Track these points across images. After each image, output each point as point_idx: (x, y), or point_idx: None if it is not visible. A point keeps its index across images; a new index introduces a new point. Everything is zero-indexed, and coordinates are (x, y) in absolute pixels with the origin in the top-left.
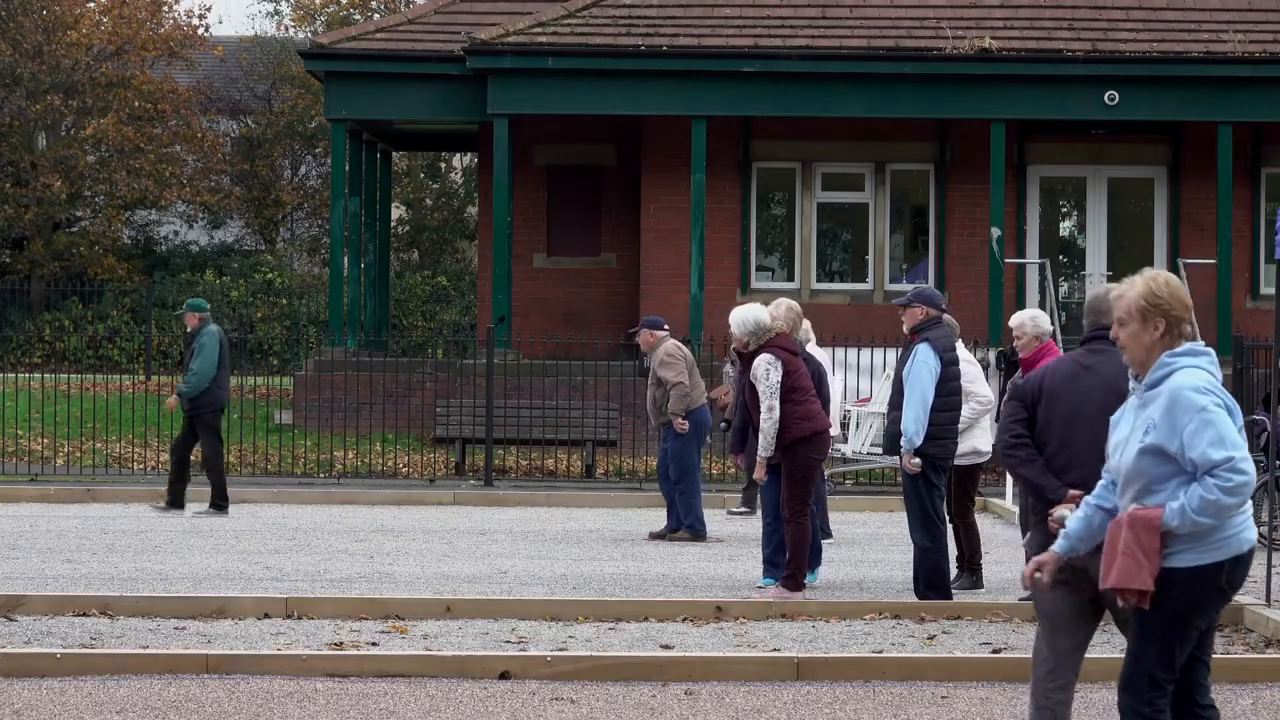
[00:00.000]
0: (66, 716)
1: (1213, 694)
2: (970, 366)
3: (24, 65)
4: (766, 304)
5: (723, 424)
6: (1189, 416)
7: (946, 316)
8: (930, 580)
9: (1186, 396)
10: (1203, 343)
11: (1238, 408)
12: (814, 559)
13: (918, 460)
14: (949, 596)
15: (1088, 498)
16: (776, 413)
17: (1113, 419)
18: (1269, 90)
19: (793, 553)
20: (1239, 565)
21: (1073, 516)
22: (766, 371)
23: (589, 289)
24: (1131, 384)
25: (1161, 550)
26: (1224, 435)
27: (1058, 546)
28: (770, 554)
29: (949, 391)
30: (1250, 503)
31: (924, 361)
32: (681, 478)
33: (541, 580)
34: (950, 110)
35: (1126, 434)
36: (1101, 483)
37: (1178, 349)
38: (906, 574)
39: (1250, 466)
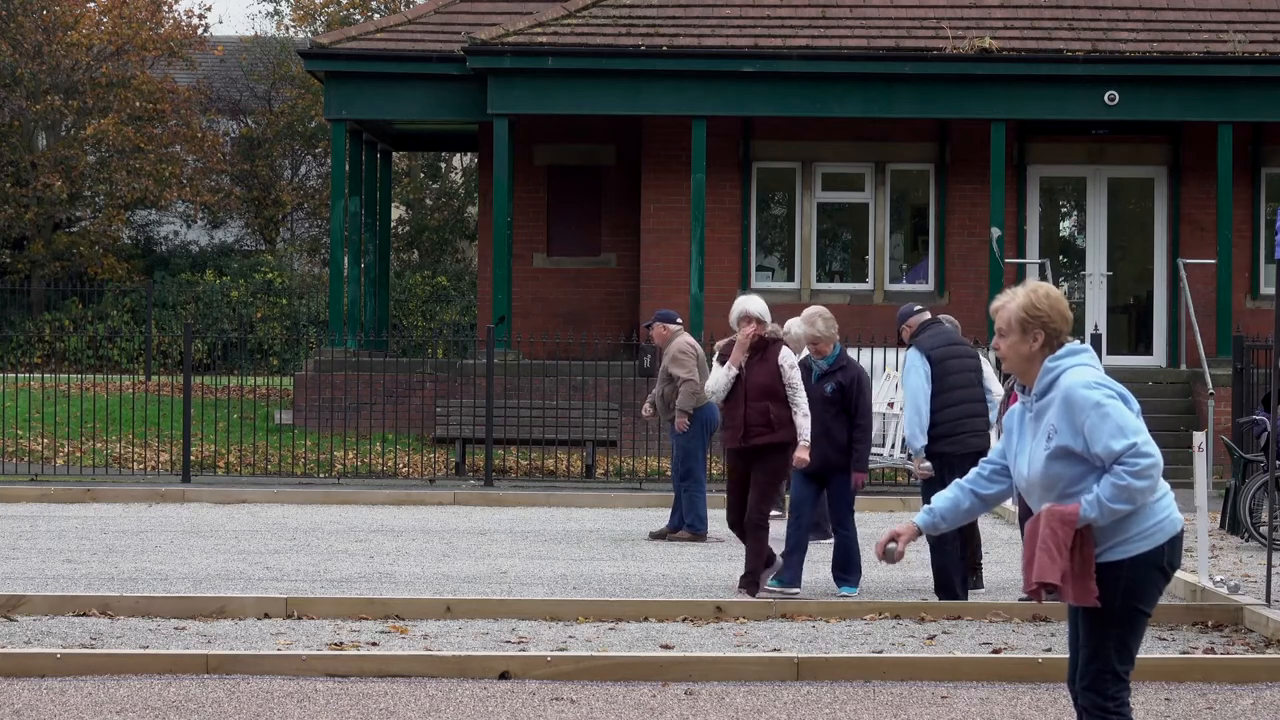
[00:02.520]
0: (66, 716)
1: (1213, 694)
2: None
3: (24, 65)
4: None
5: None
6: (1085, 413)
7: (948, 318)
8: (937, 580)
9: (1079, 394)
10: (1079, 342)
11: (1130, 394)
12: (854, 570)
13: (928, 464)
14: (954, 597)
15: (961, 480)
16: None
17: (1006, 425)
18: (1269, 90)
19: (755, 557)
20: (1175, 546)
21: (941, 495)
22: (794, 366)
23: (589, 289)
24: (1020, 396)
25: (1086, 549)
26: (1122, 424)
27: (919, 520)
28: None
29: (949, 386)
30: (1166, 485)
31: (911, 366)
32: (686, 476)
33: (541, 580)
34: (950, 110)
35: (1029, 446)
36: (977, 469)
37: (1058, 352)
38: (906, 574)
39: (1153, 448)
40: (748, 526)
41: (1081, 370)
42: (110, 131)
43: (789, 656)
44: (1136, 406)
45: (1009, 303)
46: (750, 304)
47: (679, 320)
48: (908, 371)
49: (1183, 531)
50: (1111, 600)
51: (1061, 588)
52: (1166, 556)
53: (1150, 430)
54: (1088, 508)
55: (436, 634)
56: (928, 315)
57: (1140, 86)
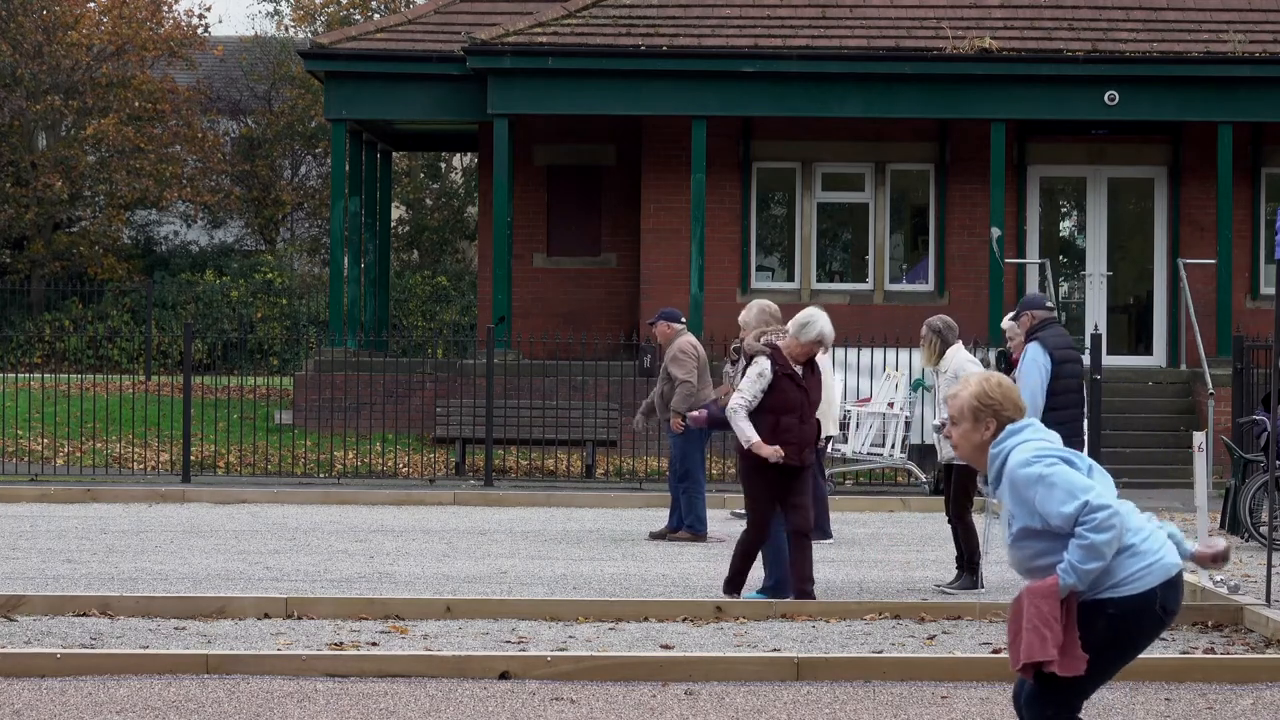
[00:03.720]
0: (66, 716)
1: (1213, 694)
2: (974, 366)
3: (24, 65)
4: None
5: None
6: (1031, 490)
7: (945, 318)
8: (967, 562)
9: (1020, 475)
10: (1021, 419)
11: (1075, 454)
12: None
13: None
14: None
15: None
16: None
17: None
18: (1269, 90)
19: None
20: (1170, 589)
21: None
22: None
23: (589, 289)
24: (984, 489)
25: (1070, 618)
26: (1070, 488)
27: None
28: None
29: (1063, 389)
30: (1155, 527)
31: (1033, 360)
32: (685, 477)
33: (541, 580)
34: (950, 110)
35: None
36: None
37: (998, 436)
38: (907, 574)
39: (1107, 499)
40: (806, 531)
41: (1021, 449)
42: (110, 131)
43: (789, 656)
44: (1084, 463)
45: (962, 390)
46: (825, 325)
47: (683, 320)
48: (1028, 365)
49: (1180, 575)
50: (1092, 633)
51: (1053, 661)
52: (1160, 599)
53: (1150, 430)
54: (1064, 576)
55: (436, 634)
56: (1055, 314)
57: (1140, 86)
